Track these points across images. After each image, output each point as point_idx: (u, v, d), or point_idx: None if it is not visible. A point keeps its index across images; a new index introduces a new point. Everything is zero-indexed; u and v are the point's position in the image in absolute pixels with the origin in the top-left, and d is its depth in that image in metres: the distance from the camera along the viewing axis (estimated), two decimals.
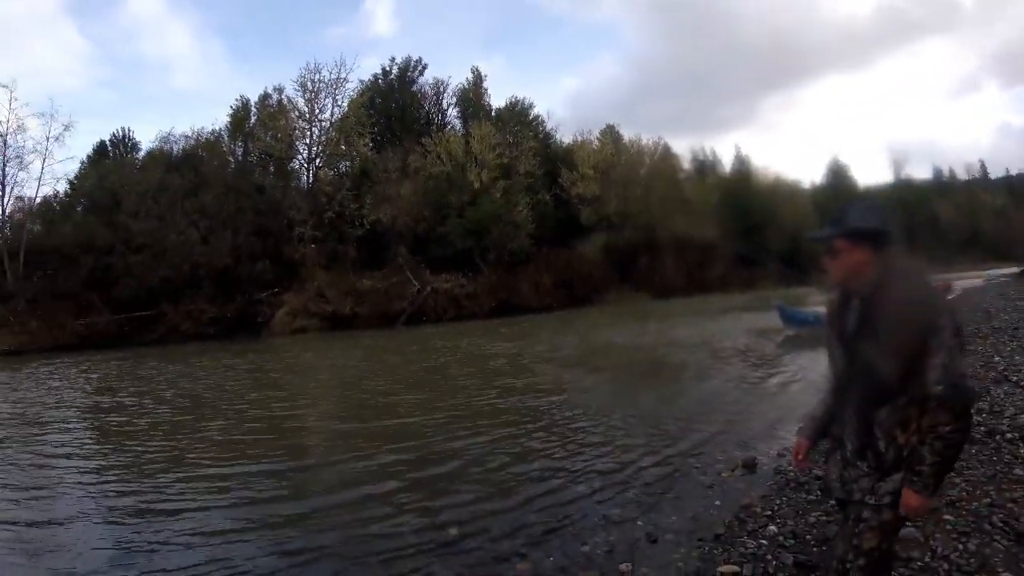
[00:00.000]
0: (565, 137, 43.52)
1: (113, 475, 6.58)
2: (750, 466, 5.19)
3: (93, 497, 5.71)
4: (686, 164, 51.06)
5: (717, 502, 4.45)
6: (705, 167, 53.34)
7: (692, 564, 3.48)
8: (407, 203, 30.55)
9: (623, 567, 3.50)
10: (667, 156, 48.85)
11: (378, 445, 6.91)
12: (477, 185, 33.49)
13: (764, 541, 3.62)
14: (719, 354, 12.88)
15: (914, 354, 1.76)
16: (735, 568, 3.27)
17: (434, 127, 36.04)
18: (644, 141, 47.53)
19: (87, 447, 8.43)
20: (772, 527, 3.80)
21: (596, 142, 42.91)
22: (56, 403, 13.00)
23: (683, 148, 53.79)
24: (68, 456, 7.66)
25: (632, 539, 3.90)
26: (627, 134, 46.59)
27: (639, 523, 4.14)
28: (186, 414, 10.29)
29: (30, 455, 7.77)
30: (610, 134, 44.48)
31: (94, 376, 17.77)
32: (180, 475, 6.31)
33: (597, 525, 4.20)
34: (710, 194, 46.61)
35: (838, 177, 58.84)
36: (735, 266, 41.18)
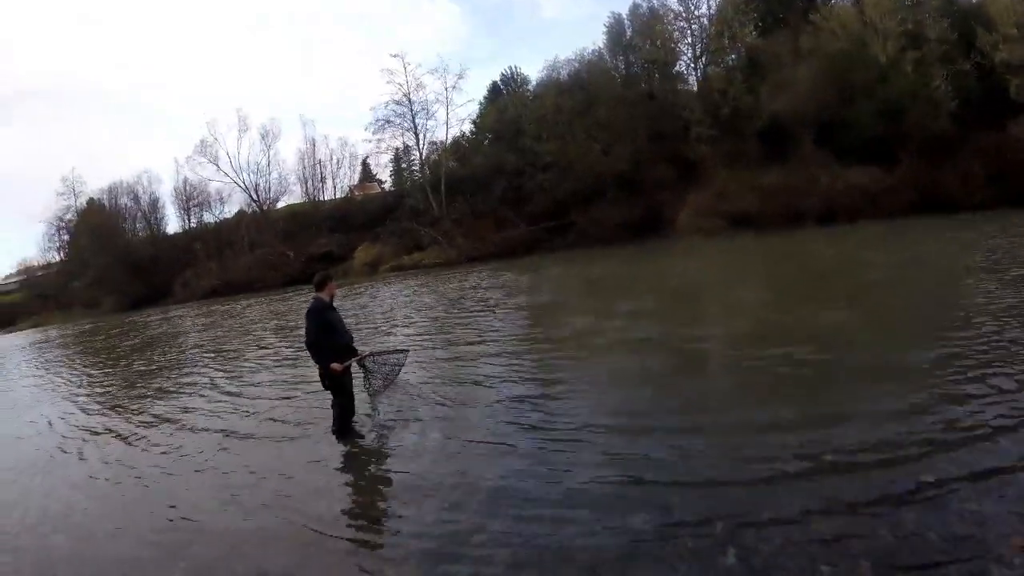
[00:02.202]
0: None
1: (518, 368, 7.32)
2: None
3: (494, 382, 6.74)
4: None
5: None
6: None
7: None
8: (806, 88, 27.00)
9: None
10: None
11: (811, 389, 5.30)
12: (883, 59, 28.19)
13: None
14: None
15: None
16: None
17: (820, 1, 31.34)
18: None
19: (492, 339, 9.34)
20: None
21: None
22: (483, 299, 14.80)
23: None
24: (478, 342, 9.12)
25: None
26: None
27: None
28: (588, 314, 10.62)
29: (448, 343, 9.49)
30: None
31: (509, 279, 19.79)
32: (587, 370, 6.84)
33: None
34: None
35: None
36: None
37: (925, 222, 23.16)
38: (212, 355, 12.68)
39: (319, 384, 5.72)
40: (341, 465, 5.08)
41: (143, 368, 12.46)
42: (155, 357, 13.91)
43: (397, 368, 6.42)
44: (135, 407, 8.52)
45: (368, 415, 6.11)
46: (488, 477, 4.27)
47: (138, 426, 7.38)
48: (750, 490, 3.64)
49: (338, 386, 5.54)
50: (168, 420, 7.43)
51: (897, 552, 2.90)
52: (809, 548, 3.00)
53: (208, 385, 9.20)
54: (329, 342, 5.46)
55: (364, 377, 6.14)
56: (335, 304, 5.81)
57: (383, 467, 4.91)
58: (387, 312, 15.40)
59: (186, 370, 11.09)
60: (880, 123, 27.52)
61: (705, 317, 9.49)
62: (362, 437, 5.59)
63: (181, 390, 9.24)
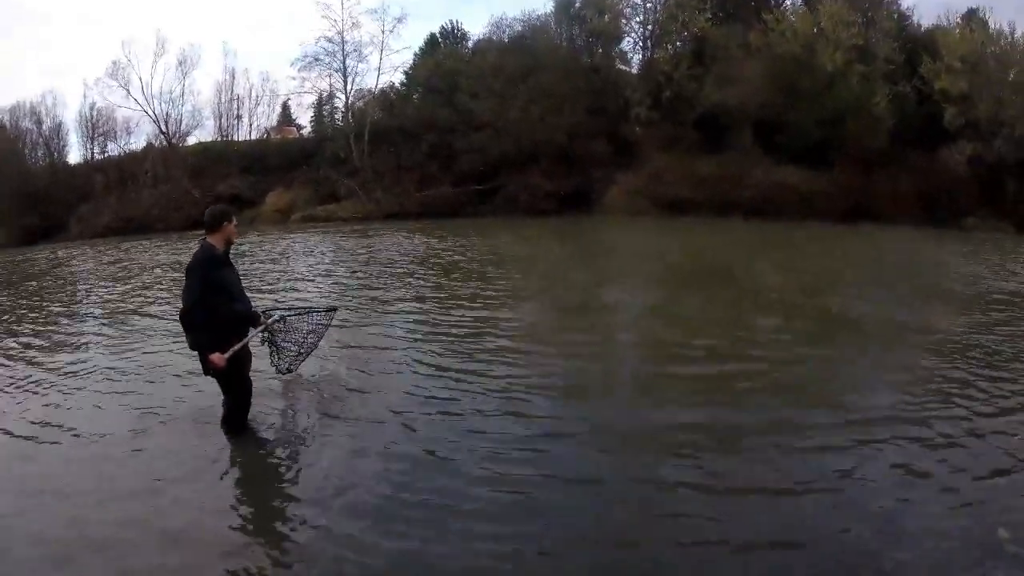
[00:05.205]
0: (923, 20, 35.30)
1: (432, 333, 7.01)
2: None
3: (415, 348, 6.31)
4: None
5: None
6: None
7: None
8: (751, 85, 26.40)
9: None
10: None
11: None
12: (830, 68, 28.01)
13: None
14: None
15: None
16: None
17: (773, 2, 31.05)
18: (1018, 33, 36.79)
19: (411, 300, 9.11)
20: None
21: (958, 30, 34.12)
22: (402, 262, 13.73)
23: None
24: (399, 299, 8.89)
25: None
26: (996, 22, 36.41)
27: None
28: (497, 275, 10.94)
29: (370, 303, 8.89)
30: (976, 21, 35.05)
31: (432, 240, 18.47)
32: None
33: None
34: None
35: None
36: None
37: (846, 229, 22.91)
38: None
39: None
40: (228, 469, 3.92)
41: None
42: None
43: (319, 333, 4.91)
44: None
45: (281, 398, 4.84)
46: (429, 486, 3.58)
47: None
48: None
49: (229, 376, 3.92)
50: None
51: None
52: None
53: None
54: (218, 310, 3.76)
55: (270, 352, 4.67)
56: (231, 254, 4.09)
57: (286, 468, 3.88)
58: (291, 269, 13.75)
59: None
60: (820, 129, 27.24)
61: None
62: (265, 435, 4.27)
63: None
